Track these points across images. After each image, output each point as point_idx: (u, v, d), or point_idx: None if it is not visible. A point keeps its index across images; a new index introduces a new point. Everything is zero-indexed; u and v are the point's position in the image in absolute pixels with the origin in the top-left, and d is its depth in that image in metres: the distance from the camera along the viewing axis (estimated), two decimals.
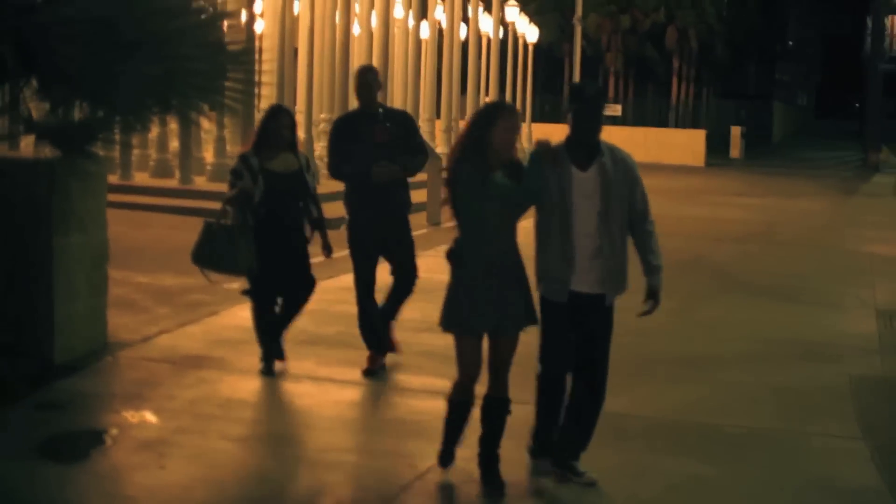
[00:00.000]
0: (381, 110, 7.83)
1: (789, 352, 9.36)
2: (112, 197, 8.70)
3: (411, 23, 26.19)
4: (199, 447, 6.22)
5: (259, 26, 19.77)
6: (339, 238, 7.82)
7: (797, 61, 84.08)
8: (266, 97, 18.79)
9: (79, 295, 7.71)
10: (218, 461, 6.05)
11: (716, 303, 11.65)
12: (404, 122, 7.97)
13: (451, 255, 5.56)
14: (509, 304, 5.51)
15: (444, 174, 5.66)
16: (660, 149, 37.66)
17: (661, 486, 5.98)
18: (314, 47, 21.95)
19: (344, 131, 7.83)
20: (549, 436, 5.88)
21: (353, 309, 7.96)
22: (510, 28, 33.23)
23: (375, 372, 7.79)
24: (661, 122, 50.50)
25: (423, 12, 26.61)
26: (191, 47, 6.54)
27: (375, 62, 20.61)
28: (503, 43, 32.05)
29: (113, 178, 13.48)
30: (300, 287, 7.72)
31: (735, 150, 43.17)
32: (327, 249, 7.67)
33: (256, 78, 7.25)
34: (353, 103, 8.27)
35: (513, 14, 32.74)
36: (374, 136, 7.61)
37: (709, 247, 16.16)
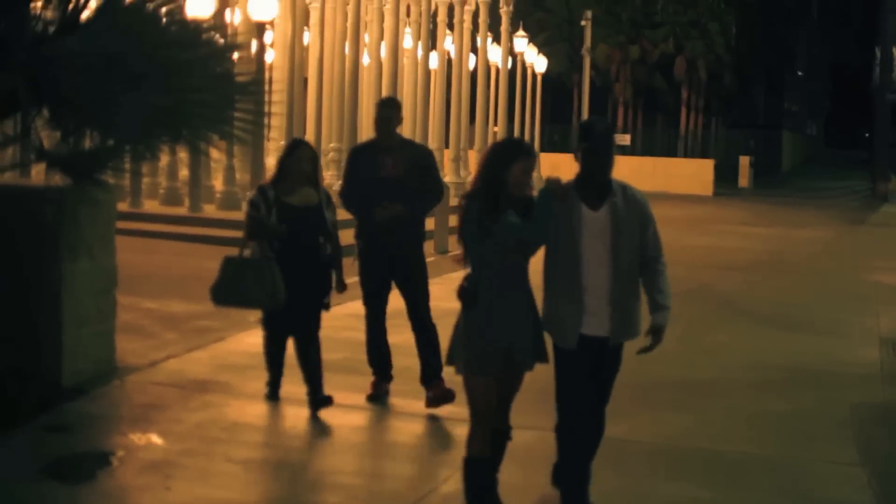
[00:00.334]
0: (397, 144, 7.83)
1: (791, 379, 9.40)
2: (122, 224, 8.83)
3: (420, 53, 26.36)
4: (204, 469, 6.32)
5: (269, 56, 19.99)
6: (353, 265, 7.83)
7: (806, 91, 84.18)
8: (276, 127, 19.04)
9: (87, 320, 7.83)
10: (223, 483, 6.14)
11: (719, 330, 11.68)
12: (420, 159, 7.92)
13: (464, 294, 5.43)
14: (519, 342, 5.44)
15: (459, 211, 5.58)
16: (668, 178, 37.77)
17: None
18: (324, 77, 22.17)
19: (355, 162, 7.91)
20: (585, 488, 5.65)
21: (360, 336, 8.06)
22: (519, 58, 33.35)
23: (379, 397, 7.88)
24: (670, 152, 50.61)
25: (432, 43, 26.79)
26: (199, 79, 6.63)
27: (385, 92, 20.70)
28: (512, 73, 32.17)
29: (123, 206, 13.59)
30: (310, 317, 7.62)
31: (744, 180, 43.17)
32: (341, 286, 7.62)
33: (266, 108, 7.32)
34: (363, 133, 8.37)
35: (521, 45, 32.86)
36: (383, 170, 7.66)
37: (714, 275, 16.20)
